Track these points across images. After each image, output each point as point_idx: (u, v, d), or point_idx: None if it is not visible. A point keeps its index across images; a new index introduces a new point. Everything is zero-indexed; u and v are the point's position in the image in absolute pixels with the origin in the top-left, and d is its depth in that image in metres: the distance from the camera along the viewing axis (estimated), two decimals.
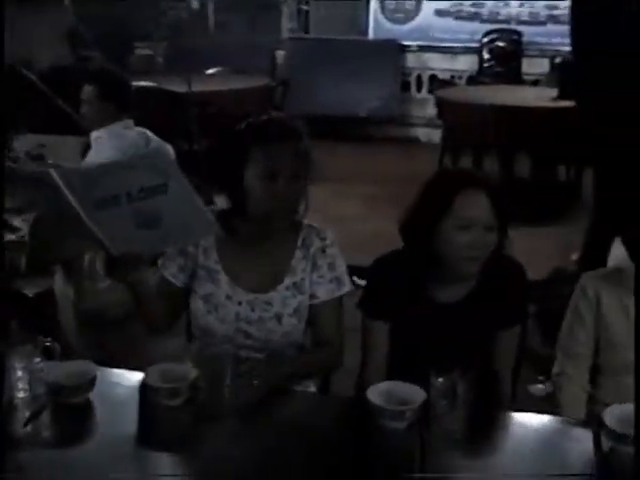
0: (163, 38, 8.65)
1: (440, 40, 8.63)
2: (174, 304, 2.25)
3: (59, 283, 3.74)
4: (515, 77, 8.14)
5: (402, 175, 7.28)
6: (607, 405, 2.17)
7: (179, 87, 5.94)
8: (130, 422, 1.90)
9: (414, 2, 8.81)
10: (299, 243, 2.22)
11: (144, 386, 1.94)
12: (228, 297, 2.20)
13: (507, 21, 8.46)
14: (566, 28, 8.17)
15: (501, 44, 8.15)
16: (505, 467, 1.80)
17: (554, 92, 6.38)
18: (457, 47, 8.65)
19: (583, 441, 1.86)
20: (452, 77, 8.65)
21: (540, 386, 3.50)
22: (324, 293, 2.22)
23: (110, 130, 4.02)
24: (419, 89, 8.97)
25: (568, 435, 1.97)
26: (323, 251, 2.22)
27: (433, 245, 2.15)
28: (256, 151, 2.07)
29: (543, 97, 6.36)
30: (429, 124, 8.69)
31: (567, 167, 6.72)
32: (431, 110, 8.67)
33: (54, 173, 1.73)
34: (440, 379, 1.84)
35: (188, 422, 1.89)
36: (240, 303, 2.19)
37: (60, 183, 1.73)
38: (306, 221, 2.25)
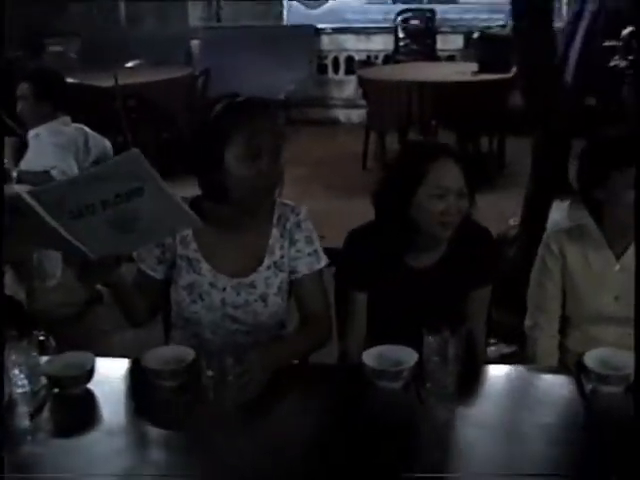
0: (74, 34, 8.49)
1: (354, 22, 8.72)
2: (155, 296, 2.27)
3: (9, 283, 3.70)
4: (431, 54, 8.32)
5: (328, 156, 7.42)
6: (577, 353, 2.33)
7: (100, 82, 5.89)
8: (132, 409, 1.95)
9: None
10: (274, 221, 2.26)
11: (144, 370, 1.97)
12: (212, 284, 2.22)
13: (419, 0, 8.61)
14: (478, 4, 8.47)
15: (415, 23, 8.30)
16: (499, 416, 1.91)
17: (473, 66, 6.57)
18: (371, 28, 8.78)
19: (562, 386, 2.00)
20: (368, 57, 8.76)
21: (493, 348, 3.62)
22: (305, 267, 2.27)
23: (48, 128, 3.99)
24: (336, 71, 9.05)
25: (548, 382, 2.09)
26: (298, 226, 2.26)
27: (408, 214, 2.24)
28: (238, 131, 2.08)
29: (465, 72, 6.51)
30: (348, 105, 8.82)
31: (490, 138, 6.92)
32: (349, 91, 8.83)
33: (26, 195, 1.70)
34: (432, 337, 1.92)
35: (189, 404, 1.92)
36: (224, 289, 2.22)
37: (33, 203, 1.70)
38: (278, 199, 2.28)
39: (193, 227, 2.05)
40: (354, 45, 8.87)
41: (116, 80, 5.41)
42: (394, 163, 2.34)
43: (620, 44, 4.29)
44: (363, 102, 8.71)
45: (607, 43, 4.40)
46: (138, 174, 1.69)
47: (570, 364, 2.34)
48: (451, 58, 8.55)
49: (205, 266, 2.22)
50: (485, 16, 8.38)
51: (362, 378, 1.96)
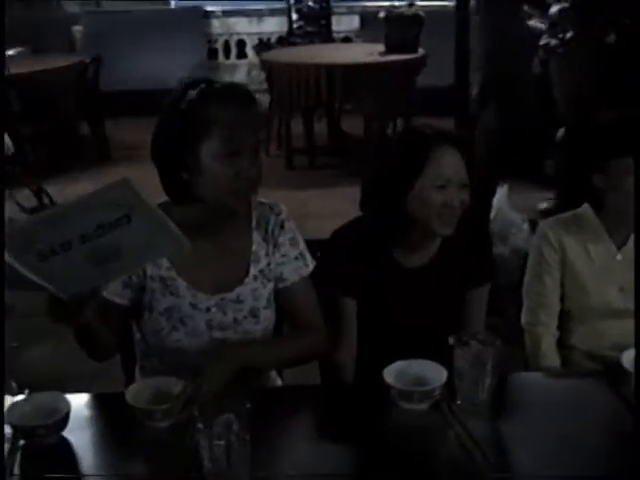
0: None
1: (245, 3, 8.40)
2: (121, 326, 1.95)
3: None
4: (326, 35, 8.08)
5: None
6: (584, 350, 2.18)
7: None
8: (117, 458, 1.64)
9: None
10: (254, 225, 1.97)
11: (131, 409, 1.66)
12: (192, 305, 1.91)
13: None
14: None
15: (310, 4, 8.05)
16: (540, 427, 1.70)
17: (380, 47, 6.41)
18: (264, 9, 8.48)
19: (596, 391, 1.83)
20: (260, 40, 8.47)
21: None
22: (292, 273, 1.99)
23: None
24: (227, 55, 8.72)
25: (579, 387, 1.91)
26: (282, 227, 1.98)
27: (404, 207, 2.01)
28: (215, 124, 1.78)
29: (372, 52, 6.35)
30: None
31: (394, 119, 6.78)
32: (241, 76, 8.51)
33: None
34: (463, 349, 1.71)
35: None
36: (208, 309, 1.92)
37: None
38: (254, 199, 1.99)
39: (183, 252, 1.59)
40: (245, 28, 8.54)
41: (7, 69, 4.95)
42: (390, 151, 2.09)
43: (547, 23, 4.21)
44: (256, 87, 8.48)
45: (535, 22, 4.31)
46: (125, 202, 1.42)
47: (576, 362, 2.21)
48: (347, 39, 8.36)
49: (182, 284, 1.90)
50: None
51: (382, 399, 1.74)
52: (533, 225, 4.60)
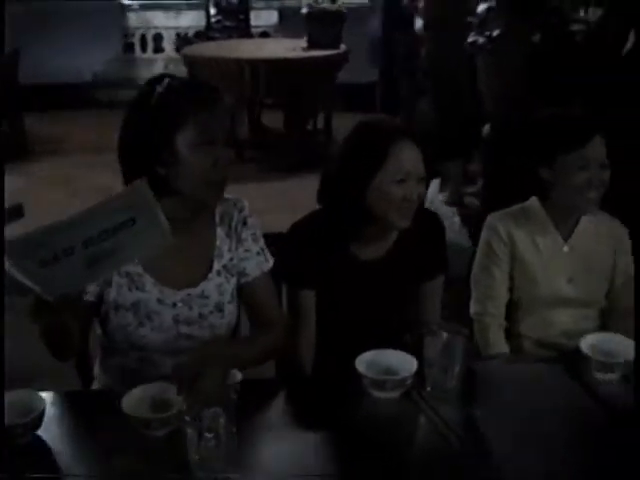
0: None
1: None
2: (86, 323, 1.93)
3: None
4: (245, 30, 8.07)
5: None
6: (532, 339, 2.26)
7: None
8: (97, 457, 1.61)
9: None
10: (217, 220, 1.98)
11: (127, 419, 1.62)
12: (159, 301, 1.91)
13: None
14: None
15: None
16: (508, 411, 1.77)
17: (302, 42, 6.44)
18: (181, 3, 8.40)
19: (557, 376, 1.92)
20: (178, 35, 8.40)
21: None
22: (254, 268, 2.01)
23: None
24: (144, 49, 8.60)
25: (539, 373, 1.98)
26: (244, 223, 2.00)
27: (363, 201, 2.05)
28: (190, 114, 1.78)
29: (295, 48, 6.37)
30: None
31: (314, 114, 6.83)
32: (158, 70, 8.39)
33: None
34: (433, 338, 1.76)
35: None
36: (175, 304, 1.92)
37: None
38: None
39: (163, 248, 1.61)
40: (163, 22, 8.45)
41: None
42: (348, 146, 2.12)
43: (476, 20, 4.30)
44: None
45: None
46: (135, 205, 1.44)
47: (526, 350, 2.29)
48: (265, 34, 8.37)
49: (149, 280, 1.90)
50: None
51: (349, 389, 1.79)
52: (463, 219, 4.73)
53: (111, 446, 1.60)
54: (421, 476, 1.58)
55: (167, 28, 8.45)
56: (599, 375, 1.85)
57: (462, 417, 1.74)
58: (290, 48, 6.42)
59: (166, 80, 1.83)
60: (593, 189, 2.17)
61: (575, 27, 4.37)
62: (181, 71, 8.03)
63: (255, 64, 5.94)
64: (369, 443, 1.64)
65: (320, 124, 6.90)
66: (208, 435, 1.42)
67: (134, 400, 1.63)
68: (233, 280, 1.99)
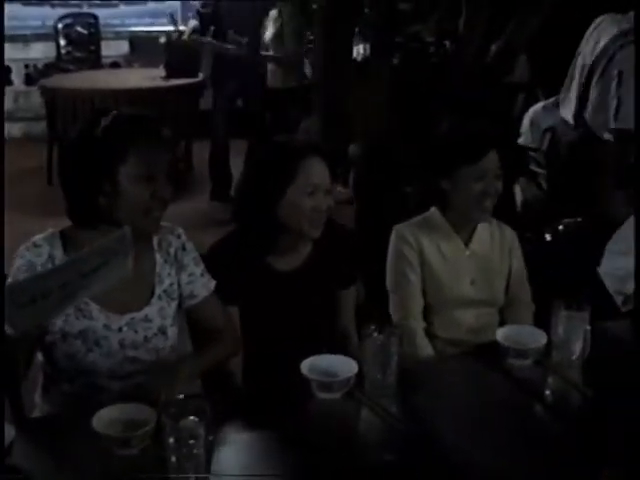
0: None
1: (9, 28, 8.07)
2: (30, 352, 1.94)
3: None
4: (96, 60, 8.05)
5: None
6: (443, 338, 2.45)
7: None
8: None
9: None
10: (155, 246, 2.06)
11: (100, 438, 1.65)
12: (106, 327, 1.96)
13: (79, 5, 8.24)
14: (140, 8, 8.34)
15: (79, 29, 7.95)
16: (444, 401, 1.95)
17: (160, 72, 6.48)
18: (28, 35, 8.23)
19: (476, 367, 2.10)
20: (27, 66, 8.23)
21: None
22: (201, 289, 2.11)
23: None
24: None
25: (466, 366, 2.15)
26: (184, 248, 2.09)
27: (276, 214, 2.20)
28: (132, 148, 1.86)
29: (154, 77, 6.41)
30: (9, 118, 8.15)
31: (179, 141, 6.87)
32: (8, 103, 8.21)
33: None
34: (369, 339, 1.90)
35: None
36: (120, 329, 1.97)
37: None
38: None
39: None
40: (10, 54, 8.18)
41: None
42: (259, 163, 2.28)
43: None
44: (23, 115, 8.21)
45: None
46: (115, 250, 1.55)
47: (439, 349, 2.47)
48: (115, 64, 8.33)
49: (94, 307, 1.95)
50: (148, 20, 8.28)
51: (300, 393, 1.90)
52: None
53: (86, 468, 1.64)
54: (375, 465, 1.71)
55: (15, 60, 8.24)
56: (515, 361, 2.05)
57: (402, 409, 1.89)
58: (149, 77, 6.47)
59: (112, 113, 1.90)
60: (488, 198, 2.39)
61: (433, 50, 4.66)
62: (31, 104, 7.95)
63: (117, 94, 5.94)
64: (324, 441, 1.77)
65: (179, 152, 6.94)
66: (191, 441, 1.50)
67: (105, 421, 1.66)
68: (174, 304, 2.07)
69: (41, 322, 1.60)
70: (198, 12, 6.14)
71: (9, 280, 1.66)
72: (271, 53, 5.95)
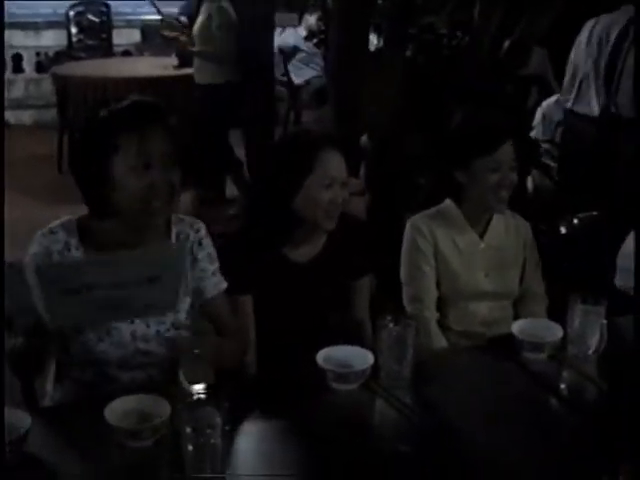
0: None
1: (20, 16, 8.07)
2: (48, 343, 1.88)
3: None
4: (107, 49, 8.04)
5: (17, 160, 6.86)
6: (457, 330, 2.45)
7: None
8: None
9: None
10: (173, 239, 2.03)
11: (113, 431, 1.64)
12: None
13: None
14: None
15: (91, 17, 7.94)
16: (461, 393, 1.94)
17: (169, 60, 6.47)
18: (40, 22, 8.21)
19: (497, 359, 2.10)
20: (38, 54, 8.22)
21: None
22: (211, 289, 2.08)
23: None
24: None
25: (481, 359, 2.15)
26: (200, 244, 2.06)
27: (293, 206, 2.21)
28: (126, 137, 1.83)
29: (166, 66, 6.39)
30: (18, 105, 8.18)
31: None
32: (19, 91, 8.23)
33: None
34: (386, 330, 1.90)
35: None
36: (133, 320, 1.95)
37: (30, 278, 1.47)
38: (174, 214, 2.04)
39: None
40: (22, 41, 8.22)
41: None
42: (277, 155, 2.29)
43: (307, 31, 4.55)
44: (34, 102, 8.22)
45: None
46: (168, 263, 1.57)
47: (452, 341, 2.47)
48: (127, 53, 8.33)
49: None
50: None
51: (315, 383, 1.89)
52: None
53: (99, 458, 1.64)
54: (390, 456, 1.71)
55: (27, 48, 8.24)
56: (530, 355, 2.05)
57: (417, 401, 1.89)
58: (161, 66, 6.44)
59: (112, 102, 1.90)
60: (504, 189, 2.38)
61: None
62: (42, 92, 7.95)
63: (131, 82, 5.92)
64: (339, 432, 1.77)
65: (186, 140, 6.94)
66: (208, 431, 1.50)
67: (118, 412, 1.66)
68: (187, 299, 2.05)
69: (81, 321, 1.59)
70: None
71: (27, 264, 1.63)
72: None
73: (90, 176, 1.87)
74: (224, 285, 2.12)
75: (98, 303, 1.53)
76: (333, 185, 2.19)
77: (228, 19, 5.43)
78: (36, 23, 8.20)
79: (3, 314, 1.48)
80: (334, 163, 2.20)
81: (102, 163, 1.85)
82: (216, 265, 2.11)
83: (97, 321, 1.67)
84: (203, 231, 2.09)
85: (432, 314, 2.46)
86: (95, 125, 1.87)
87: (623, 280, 2.54)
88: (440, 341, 2.42)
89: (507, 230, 2.54)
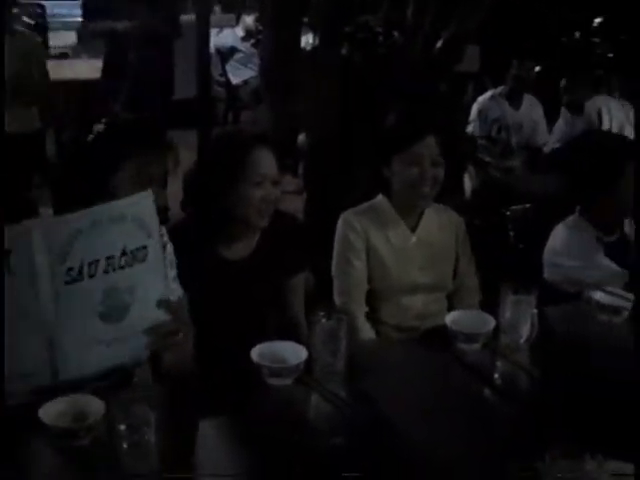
0: None
1: None
2: None
3: None
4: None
5: None
6: (390, 324, 2.47)
7: None
8: None
9: None
10: None
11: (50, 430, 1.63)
12: None
13: None
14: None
15: (25, 19, 7.78)
16: (394, 385, 1.95)
17: None
18: None
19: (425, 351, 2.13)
20: None
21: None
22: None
23: None
24: None
25: (414, 351, 2.18)
26: (163, 247, 2.06)
27: (225, 204, 2.22)
28: (125, 159, 1.84)
29: None
30: None
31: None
32: None
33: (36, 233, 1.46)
34: (320, 324, 1.91)
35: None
36: None
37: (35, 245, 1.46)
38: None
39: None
40: None
41: None
42: (209, 153, 2.32)
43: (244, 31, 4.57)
44: None
45: None
46: (147, 223, 1.55)
47: (386, 335, 2.49)
48: (64, 55, 8.21)
49: None
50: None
51: (250, 380, 1.90)
52: None
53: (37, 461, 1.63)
54: (325, 450, 1.72)
55: None
56: (464, 346, 2.08)
57: (351, 393, 1.90)
58: (99, 68, 6.36)
59: (104, 120, 1.88)
60: (425, 184, 2.40)
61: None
62: None
63: (72, 86, 5.87)
64: (275, 426, 1.77)
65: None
66: (144, 428, 1.49)
67: (52, 414, 1.64)
68: None
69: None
70: None
71: None
72: None
73: (88, 191, 1.83)
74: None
75: (98, 300, 1.56)
76: (264, 183, 2.21)
77: None
78: None
79: (3, 314, 1.46)
80: (265, 161, 2.22)
81: (101, 180, 1.84)
82: (175, 271, 2.09)
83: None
84: (166, 237, 2.08)
85: (359, 307, 2.48)
86: (97, 144, 1.86)
87: (550, 274, 2.60)
88: (367, 332, 2.44)
89: (440, 224, 2.57)
